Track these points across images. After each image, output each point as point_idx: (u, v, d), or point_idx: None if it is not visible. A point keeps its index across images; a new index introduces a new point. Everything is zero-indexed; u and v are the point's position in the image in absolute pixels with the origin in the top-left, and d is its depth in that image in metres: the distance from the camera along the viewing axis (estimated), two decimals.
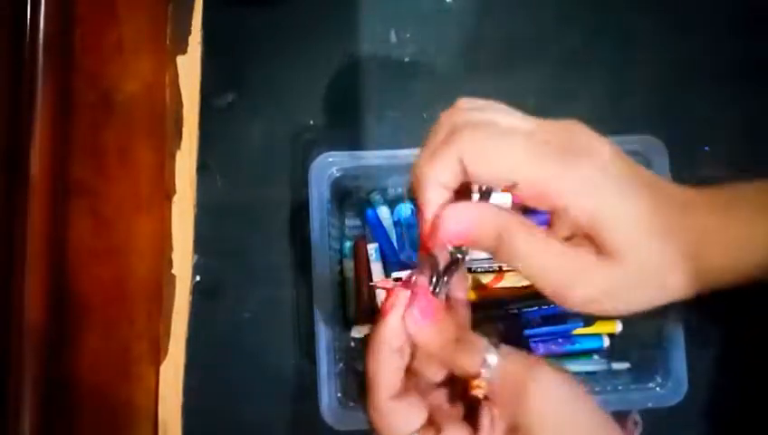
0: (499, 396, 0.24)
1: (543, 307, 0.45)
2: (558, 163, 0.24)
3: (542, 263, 0.24)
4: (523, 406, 0.24)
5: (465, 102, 0.27)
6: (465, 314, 0.29)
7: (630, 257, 0.23)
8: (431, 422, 0.26)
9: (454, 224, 0.25)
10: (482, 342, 0.25)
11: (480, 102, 0.27)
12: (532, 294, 0.45)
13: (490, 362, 0.24)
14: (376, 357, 0.25)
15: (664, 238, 0.23)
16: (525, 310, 0.45)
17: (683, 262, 0.23)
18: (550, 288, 0.24)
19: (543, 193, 0.24)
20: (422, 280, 0.26)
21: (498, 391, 0.24)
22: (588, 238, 0.24)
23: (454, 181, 0.25)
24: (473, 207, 0.26)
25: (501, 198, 0.45)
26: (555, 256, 0.24)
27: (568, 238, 0.25)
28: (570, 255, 0.24)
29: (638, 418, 0.39)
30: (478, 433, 0.25)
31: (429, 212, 0.26)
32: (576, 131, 0.25)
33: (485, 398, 0.25)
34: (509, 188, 0.24)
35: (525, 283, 0.44)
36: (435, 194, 0.26)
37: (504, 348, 0.25)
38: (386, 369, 0.25)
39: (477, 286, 0.45)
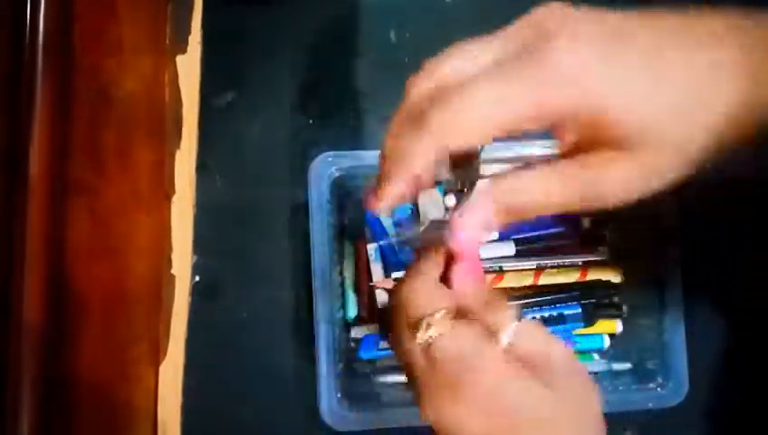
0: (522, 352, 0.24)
1: (544, 307, 0.45)
2: (528, 80, 0.21)
3: (564, 192, 0.23)
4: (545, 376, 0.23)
5: (425, 69, 0.25)
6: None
7: (648, 144, 0.22)
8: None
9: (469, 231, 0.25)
10: (509, 309, 0.25)
11: (439, 58, 0.25)
12: (531, 295, 0.45)
13: (511, 329, 0.24)
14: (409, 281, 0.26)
15: (681, 115, 0.21)
16: (525, 310, 0.45)
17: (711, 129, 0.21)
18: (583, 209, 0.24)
19: (532, 121, 0.22)
20: (471, 236, 0.25)
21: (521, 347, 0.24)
22: (598, 142, 0.22)
23: (427, 170, 0.24)
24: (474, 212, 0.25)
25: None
26: (571, 182, 0.23)
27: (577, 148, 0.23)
28: (584, 173, 0.23)
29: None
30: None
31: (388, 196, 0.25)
32: (539, 22, 0.22)
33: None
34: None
35: (525, 283, 0.44)
36: (401, 186, 0.24)
37: (526, 322, 0.25)
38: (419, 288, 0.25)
39: None
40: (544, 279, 0.44)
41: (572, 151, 0.23)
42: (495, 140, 0.22)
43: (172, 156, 0.49)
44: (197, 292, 0.48)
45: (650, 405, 0.42)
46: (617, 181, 0.23)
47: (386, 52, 0.50)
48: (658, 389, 0.42)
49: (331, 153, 0.42)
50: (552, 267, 0.45)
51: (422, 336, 0.24)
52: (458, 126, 0.22)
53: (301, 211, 0.45)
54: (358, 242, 0.47)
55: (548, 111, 0.22)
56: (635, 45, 0.21)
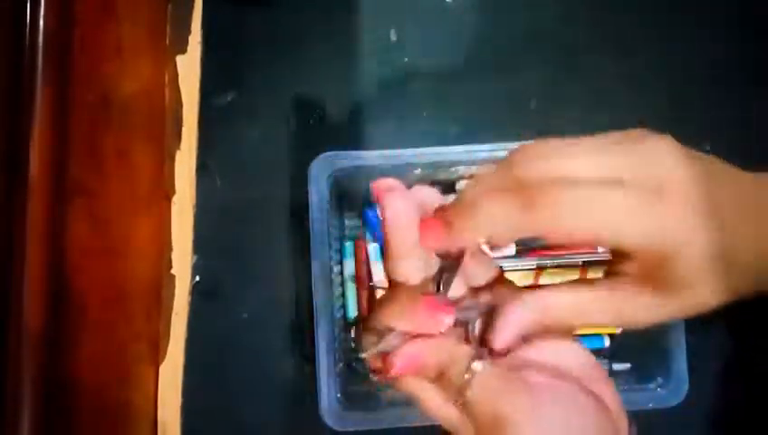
0: (477, 415, 0.24)
1: None
2: (645, 216, 0.23)
3: (598, 317, 0.25)
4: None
5: (536, 150, 0.25)
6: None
7: (690, 290, 0.24)
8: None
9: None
10: (464, 360, 0.25)
11: (549, 146, 0.25)
12: None
13: (469, 382, 0.24)
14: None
15: (729, 266, 0.23)
16: None
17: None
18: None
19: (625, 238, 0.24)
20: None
21: (476, 412, 0.24)
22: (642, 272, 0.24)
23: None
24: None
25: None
26: (608, 307, 0.25)
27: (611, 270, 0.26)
28: (618, 296, 0.25)
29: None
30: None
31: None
32: (652, 162, 0.24)
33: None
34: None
35: (525, 283, 0.44)
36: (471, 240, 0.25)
37: (482, 373, 0.24)
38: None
39: None
40: (544, 279, 0.45)
41: (618, 271, 0.25)
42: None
43: (172, 156, 0.49)
44: (198, 292, 0.48)
45: (650, 405, 0.42)
46: (651, 314, 0.25)
47: (386, 52, 0.50)
48: (658, 389, 0.42)
49: (331, 153, 0.42)
50: (552, 267, 0.45)
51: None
52: (564, 223, 0.23)
53: (301, 211, 0.45)
54: (358, 242, 0.47)
55: (639, 237, 0.23)
56: (721, 201, 0.24)
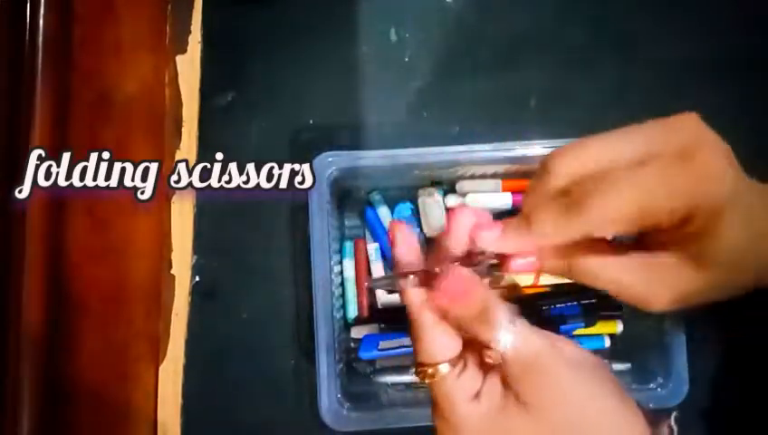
0: (509, 370, 0.25)
1: (544, 308, 0.45)
2: (682, 177, 0.24)
3: (622, 279, 0.27)
4: (529, 390, 0.25)
5: (571, 151, 0.26)
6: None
7: (726, 263, 0.25)
8: (461, 357, 0.27)
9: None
10: (499, 316, 0.26)
11: (583, 144, 0.26)
12: (532, 295, 0.45)
13: (501, 339, 0.25)
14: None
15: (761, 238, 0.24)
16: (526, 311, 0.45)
17: None
18: (633, 300, 0.27)
19: (673, 213, 0.24)
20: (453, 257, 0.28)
21: (509, 366, 0.25)
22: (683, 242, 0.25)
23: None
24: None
25: (498, 200, 0.45)
26: (635, 271, 0.26)
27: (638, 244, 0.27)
28: (651, 266, 0.26)
29: (674, 425, 0.39)
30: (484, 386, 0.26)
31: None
32: (679, 129, 0.25)
33: (498, 366, 0.26)
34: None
35: (525, 283, 0.44)
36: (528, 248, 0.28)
37: (521, 326, 0.26)
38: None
39: None
40: (544, 279, 0.44)
41: (648, 242, 0.26)
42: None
43: (172, 156, 0.49)
44: (197, 292, 0.48)
45: (651, 405, 0.42)
46: (683, 287, 0.26)
47: (386, 51, 0.50)
48: (659, 389, 0.42)
49: (331, 153, 0.42)
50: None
51: (422, 376, 0.27)
52: (616, 215, 0.24)
53: (301, 211, 0.45)
54: (358, 242, 0.47)
55: (686, 202, 0.24)
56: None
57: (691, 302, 0.26)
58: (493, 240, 0.27)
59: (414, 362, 0.28)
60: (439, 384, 0.27)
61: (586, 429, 0.25)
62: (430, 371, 0.27)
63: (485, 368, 0.27)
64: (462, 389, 0.26)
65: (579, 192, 0.25)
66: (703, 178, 0.24)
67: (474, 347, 0.27)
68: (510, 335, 0.25)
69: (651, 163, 0.24)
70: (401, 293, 0.27)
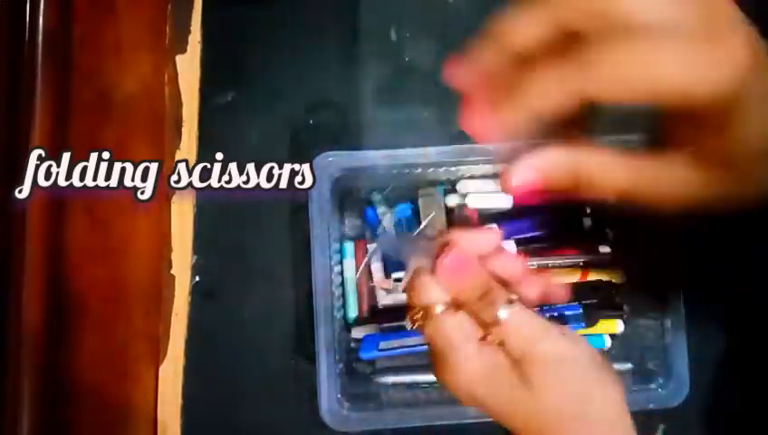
0: (511, 349, 0.26)
1: (544, 307, 0.44)
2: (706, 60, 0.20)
3: (630, 181, 0.24)
4: (530, 369, 0.25)
5: None
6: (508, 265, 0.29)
7: (741, 162, 0.22)
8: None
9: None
10: (500, 297, 0.26)
11: None
12: None
13: (502, 318, 0.26)
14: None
15: None
16: None
17: None
18: (641, 202, 0.24)
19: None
20: (457, 235, 0.28)
21: (510, 346, 0.26)
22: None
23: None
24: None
25: (498, 200, 0.45)
26: (642, 171, 0.24)
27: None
28: (658, 165, 0.24)
29: None
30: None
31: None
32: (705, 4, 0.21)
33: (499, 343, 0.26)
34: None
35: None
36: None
37: (521, 307, 0.26)
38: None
39: None
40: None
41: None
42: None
43: (172, 155, 0.49)
44: (197, 292, 0.48)
45: (651, 406, 0.42)
46: (693, 187, 0.23)
47: (386, 51, 0.50)
48: (659, 389, 0.42)
49: (331, 153, 0.42)
50: (553, 267, 0.45)
51: (413, 320, 0.28)
52: (622, 80, 0.21)
53: (301, 211, 0.45)
54: (358, 242, 0.47)
55: (706, 87, 0.21)
56: None
57: (700, 203, 0.24)
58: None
59: (408, 314, 0.28)
60: (435, 325, 0.27)
61: (580, 418, 0.25)
62: (421, 313, 0.27)
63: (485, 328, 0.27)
64: (461, 329, 0.26)
65: (600, 49, 0.21)
66: (729, 63, 0.21)
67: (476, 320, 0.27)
68: (510, 315, 0.26)
69: (674, 33, 0.21)
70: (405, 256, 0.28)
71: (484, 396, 0.26)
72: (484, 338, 0.27)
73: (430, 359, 0.28)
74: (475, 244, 0.28)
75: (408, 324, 0.41)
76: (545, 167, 0.25)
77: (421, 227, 0.29)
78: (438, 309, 0.27)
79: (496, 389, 0.26)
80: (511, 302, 0.26)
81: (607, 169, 0.24)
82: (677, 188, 0.24)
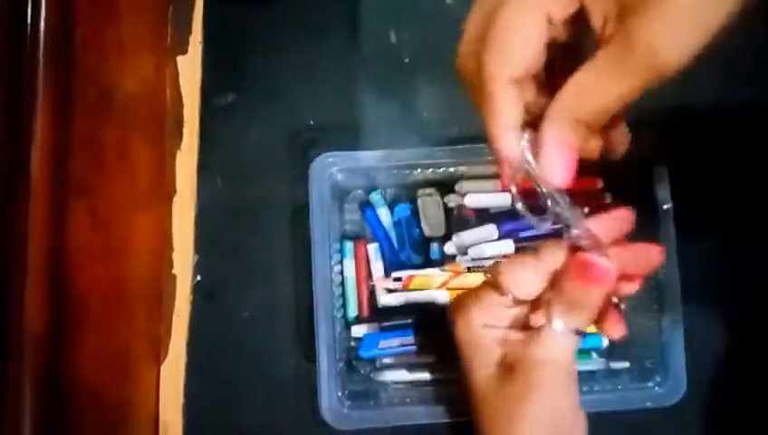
0: (528, 342, 0.28)
1: None
2: None
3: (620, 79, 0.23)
4: (520, 375, 0.27)
5: None
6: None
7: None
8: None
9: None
10: (583, 319, 0.28)
11: None
12: None
13: (554, 328, 0.27)
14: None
15: None
16: None
17: None
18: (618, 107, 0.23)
19: None
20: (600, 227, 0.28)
21: (530, 342, 0.28)
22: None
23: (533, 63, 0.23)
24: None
25: (498, 200, 0.45)
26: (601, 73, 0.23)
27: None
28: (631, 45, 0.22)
29: None
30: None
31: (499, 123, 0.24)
32: None
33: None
34: None
35: None
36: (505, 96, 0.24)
37: (569, 338, 0.28)
38: None
39: None
40: None
41: (608, 32, 0.23)
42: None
43: (173, 156, 0.49)
44: (198, 292, 0.48)
45: (648, 404, 0.42)
46: (660, 33, 0.22)
47: (386, 52, 0.50)
48: (656, 388, 0.42)
49: (331, 153, 0.42)
50: None
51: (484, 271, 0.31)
52: None
53: (301, 211, 0.46)
54: (358, 242, 0.47)
55: None
56: None
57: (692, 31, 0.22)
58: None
59: (491, 271, 0.29)
60: (483, 295, 0.28)
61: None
62: (494, 281, 0.28)
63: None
64: (490, 313, 0.28)
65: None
66: None
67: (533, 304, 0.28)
68: (563, 334, 0.27)
69: None
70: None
71: (459, 347, 0.29)
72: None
73: (449, 315, 0.30)
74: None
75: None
76: (564, 148, 0.24)
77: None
78: (508, 300, 0.28)
79: (470, 353, 0.28)
80: (578, 333, 0.27)
81: (590, 92, 0.23)
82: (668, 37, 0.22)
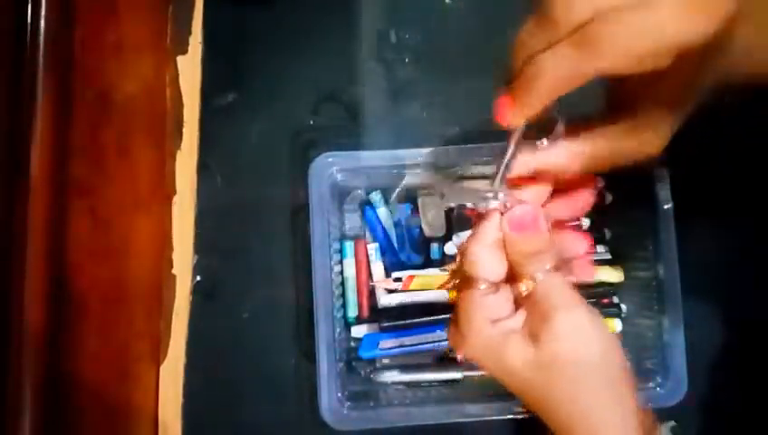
0: (534, 305, 0.28)
1: None
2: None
3: (618, 142, 0.29)
4: (543, 332, 0.27)
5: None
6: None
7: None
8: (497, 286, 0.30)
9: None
10: (547, 259, 0.29)
11: None
12: None
13: (538, 277, 0.28)
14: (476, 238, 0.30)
15: None
16: None
17: None
18: (633, 157, 0.29)
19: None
20: (526, 195, 0.30)
21: (535, 302, 0.28)
22: None
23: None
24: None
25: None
26: (625, 131, 0.29)
27: None
28: (639, 121, 0.29)
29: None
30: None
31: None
32: None
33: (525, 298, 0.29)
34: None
35: None
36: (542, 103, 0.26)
37: (552, 275, 0.28)
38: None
39: None
40: None
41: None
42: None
43: (173, 156, 0.49)
44: (198, 291, 0.48)
45: (649, 405, 0.41)
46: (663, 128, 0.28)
47: (386, 52, 0.50)
48: (657, 388, 0.42)
49: (331, 153, 0.42)
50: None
51: (450, 282, 0.31)
52: (618, 50, 0.23)
53: (301, 211, 0.46)
54: (358, 242, 0.47)
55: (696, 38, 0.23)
56: None
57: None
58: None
59: (451, 273, 0.30)
60: (466, 298, 0.29)
61: (576, 381, 0.27)
62: (459, 281, 0.29)
63: (516, 304, 0.29)
64: (487, 308, 0.29)
65: (591, 30, 0.23)
66: (713, 17, 0.22)
67: (512, 281, 0.29)
68: (546, 278, 0.28)
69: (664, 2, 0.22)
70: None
71: (482, 361, 0.29)
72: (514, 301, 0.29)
73: (451, 319, 0.30)
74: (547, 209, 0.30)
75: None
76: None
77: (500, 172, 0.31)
78: (482, 286, 0.29)
79: (496, 356, 0.29)
80: (557, 269, 0.28)
81: (597, 137, 0.29)
82: (661, 132, 0.28)
